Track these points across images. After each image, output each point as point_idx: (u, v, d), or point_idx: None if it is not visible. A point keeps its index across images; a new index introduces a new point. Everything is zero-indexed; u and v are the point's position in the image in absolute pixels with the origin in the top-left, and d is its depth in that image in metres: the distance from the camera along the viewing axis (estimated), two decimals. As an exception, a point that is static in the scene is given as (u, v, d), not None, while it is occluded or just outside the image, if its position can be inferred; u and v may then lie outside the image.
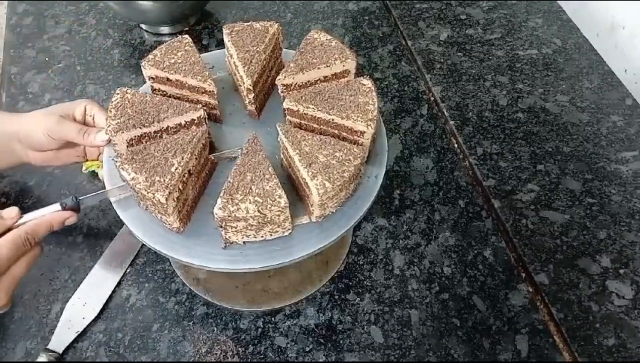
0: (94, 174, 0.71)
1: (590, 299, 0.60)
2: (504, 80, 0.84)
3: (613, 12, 0.88)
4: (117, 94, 0.52)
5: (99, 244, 0.65)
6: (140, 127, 0.49)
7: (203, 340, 0.58)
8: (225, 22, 0.95)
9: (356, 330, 0.59)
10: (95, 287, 0.62)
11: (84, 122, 0.57)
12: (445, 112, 0.80)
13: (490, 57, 0.87)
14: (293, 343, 0.58)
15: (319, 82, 0.54)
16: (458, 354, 0.57)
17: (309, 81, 0.54)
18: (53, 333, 0.58)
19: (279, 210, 0.44)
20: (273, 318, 0.60)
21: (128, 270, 0.63)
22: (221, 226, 0.45)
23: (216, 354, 0.57)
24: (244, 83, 0.54)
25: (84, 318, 0.59)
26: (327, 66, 0.53)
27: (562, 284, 0.62)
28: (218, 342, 0.58)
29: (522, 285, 0.62)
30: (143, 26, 0.94)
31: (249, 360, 0.57)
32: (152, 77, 0.55)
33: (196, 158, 0.48)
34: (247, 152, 0.48)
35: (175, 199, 0.45)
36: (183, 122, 0.51)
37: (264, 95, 0.58)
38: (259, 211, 0.44)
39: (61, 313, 0.59)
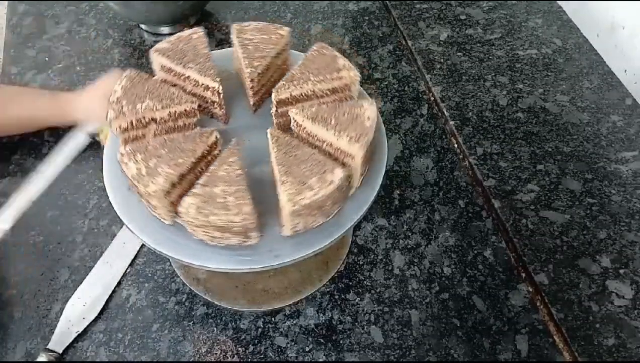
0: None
1: (590, 299, 0.60)
2: (504, 80, 0.84)
3: (613, 12, 0.88)
4: (125, 75, 0.52)
5: (99, 244, 0.66)
6: (133, 115, 0.49)
7: (203, 340, 0.58)
8: (225, 22, 0.95)
9: (356, 330, 0.59)
10: (95, 287, 0.62)
11: None
12: (445, 112, 0.80)
13: (490, 57, 0.87)
14: (293, 343, 0.58)
15: (315, 96, 0.53)
16: (458, 354, 0.57)
17: (303, 94, 0.53)
18: (53, 333, 0.58)
19: (243, 223, 0.44)
20: (273, 318, 0.60)
21: (128, 270, 0.63)
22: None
23: (216, 354, 0.57)
24: (245, 76, 0.53)
25: (84, 318, 0.59)
26: (323, 81, 0.52)
27: (562, 284, 0.62)
28: (218, 342, 0.58)
29: (522, 285, 0.62)
30: (143, 26, 0.94)
31: (249, 360, 0.57)
32: (161, 67, 0.55)
33: (200, 158, 0.48)
34: (223, 158, 0.48)
35: (173, 197, 0.45)
36: (175, 112, 0.51)
37: (264, 93, 0.58)
38: (222, 222, 0.44)
39: (61, 313, 0.59)
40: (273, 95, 0.52)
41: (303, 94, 0.53)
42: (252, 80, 0.53)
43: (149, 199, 0.46)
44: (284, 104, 0.53)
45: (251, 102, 0.56)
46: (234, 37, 0.56)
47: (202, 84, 0.54)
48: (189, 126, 0.52)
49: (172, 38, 0.55)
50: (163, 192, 0.45)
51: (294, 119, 0.51)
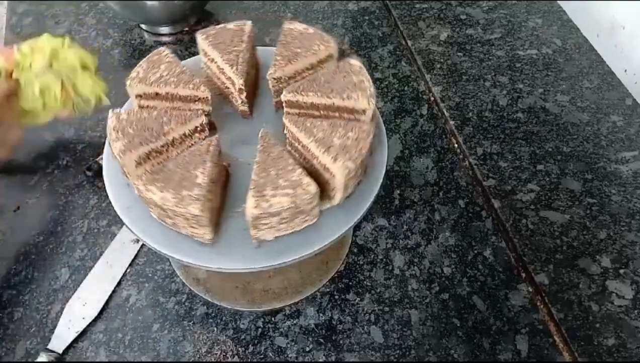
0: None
1: (590, 299, 0.60)
2: (504, 80, 0.84)
3: (613, 12, 0.88)
4: (112, 117, 0.50)
5: (99, 244, 0.66)
6: (147, 144, 0.48)
7: (203, 340, 0.58)
8: (225, 22, 0.95)
9: (356, 330, 0.59)
10: (95, 287, 0.62)
11: None
12: (445, 112, 0.80)
13: (490, 57, 0.87)
14: (293, 343, 0.58)
15: (306, 70, 0.54)
16: (458, 354, 0.57)
17: (297, 71, 0.54)
18: (53, 333, 0.58)
19: (310, 198, 0.45)
20: (273, 318, 0.60)
21: (128, 270, 0.63)
22: (253, 227, 0.45)
23: (216, 354, 0.57)
24: (233, 85, 0.53)
25: (84, 318, 0.59)
26: (313, 53, 0.53)
27: (562, 284, 0.62)
28: (218, 342, 0.58)
29: (522, 285, 0.62)
30: (143, 26, 0.94)
31: (249, 360, 0.57)
32: (139, 95, 0.54)
33: (215, 165, 0.48)
34: (262, 148, 0.48)
35: (208, 209, 0.45)
36: (187, 131, 0.51)
37: (252, 93, 0.58)
38: (292, 202, 0.44)
39: (61, 313, 0.59)
40: (269, 75, 0.52)
41: (294, 72, 0.54)
42: (240, 77, 0.53)
43: (194, 222, 0.46)
44: (278, 83, 0.54)
45: (239, 102, 0.56)
46: (202, 44, 0.56)
47: (189, 97, 0.53)
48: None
49: (142, 63, 0.54)
50: (208, 211, 0.45)
51: (289, 100, 0.51)
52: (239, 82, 0.52)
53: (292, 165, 0.46)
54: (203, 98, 0.53)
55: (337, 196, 0.48)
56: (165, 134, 0.49)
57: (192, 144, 0.51)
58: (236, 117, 0.57)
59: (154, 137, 0.48)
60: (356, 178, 0.49)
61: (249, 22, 0.57)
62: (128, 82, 0.52)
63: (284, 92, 0.52)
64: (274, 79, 0.53)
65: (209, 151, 0.48)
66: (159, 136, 0.49)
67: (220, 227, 0.48)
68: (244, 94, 0.54)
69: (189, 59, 0.61)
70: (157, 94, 0.53)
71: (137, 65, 0.54)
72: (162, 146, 0.49)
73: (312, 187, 0.45)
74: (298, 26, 0.56)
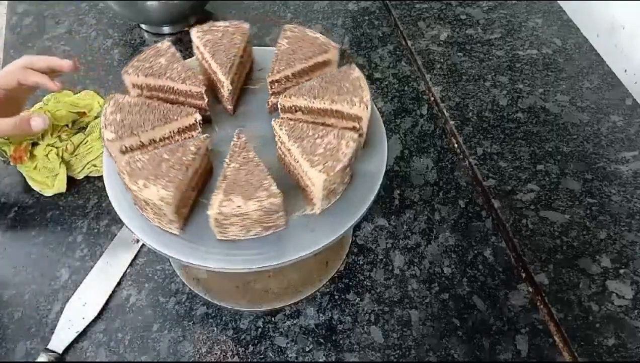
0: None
1: (590, 299, 0.60)
2: (504, 80, 0.84)
3: (613, 12, 0.88)
4: (110, 100, 0.51)
5: (99, 244, 0.66)
6: (136, 135, 0.48)
7: (203, 340, 0.58)
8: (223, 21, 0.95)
9: (356, 330, 0.59)
10: (95, 287, 0.62)
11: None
12: (445, 112, 0.80)
13: (490, 57, 0.87)
14: (293, 343, 0.58)
15: (305, 74, 0.54)
16: (458, 354, 0.57)
17: (294, 74, 0.54)
18: (53, 333, 0.58)
19: (274, 206, 0.44)
20: (273, 318, 0.60)
21: (128, 270, 0.63)
22: (216, 225, 0.45)
23: (216, 354, 0.57)
24: (222, 84, 0.53)
25: (84, 318, 0.59)
26: (311, 57, 0.53)
27: (562, 284, 0.62)
28: (218, 342, 0.58)
29: (522, 285, 0.62)
30: (143, 26, 0.94)
31: (249, 360, 0.57)
32: (135, 85, 0.54)
33: (199, 164, 0.48)
34: (235, 150, 0.48)
35: (179, 202, 0.45)
36: (177, 129, 0.51)
37: (239, 91, 0.58)
38: (253, 207, 0.44)
39: (61, 313, 0.59)
40: (268, 77, 0.52)
41: (291, 74, 0.54)
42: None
43: (161, 214, 0.46)
44: (275, 85, 0.54)
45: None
46: (196, 41, 0.56)
47: (185, 91, 0.53)
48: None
49: (142, 54, 0.54)
50: (174, 206, 0.45)
51: (284, 105, 0.51)
52: (227, 82, 0.53)
53: (262, 169, 0.46)
54: (196, 93, 0.53)
55: (317, 204, 0.47)
56: (154, 128, 0.49)
57: (183, 139, 0.51)
58: (226, 115, 0.57)
59: (143, 129, 0.49)
60: (342, 186, 0.48)
61: (246, 25, 0.57)
62: (125, 70, 0.52)
63: (280, 99, 0.51)
64: (272, 81, 0.53)
65: (198, 152, 0.48)
66: (147, 130, 0.49)
67: (194, 220, 0.48)
68: (229, 93, 0.54)
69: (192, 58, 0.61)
70: (153, 86, 0.53)
71: (137, 55, 0.54)
72: (150, 141, 0.50)
73: (277, 196, 0.44)
74: (300, 29, 0.56)
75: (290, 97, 0.51)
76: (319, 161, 0.46)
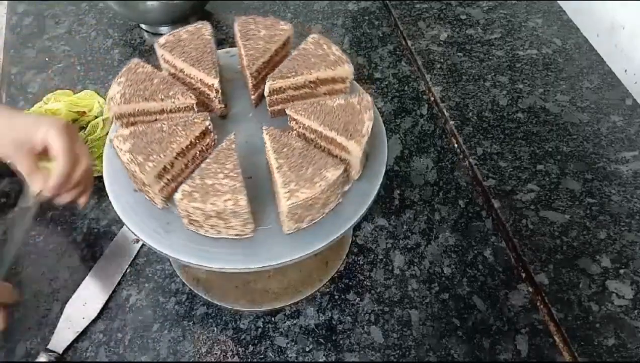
0: None
1: (590, 299, 0.60)
2: (504, 80, 0.84)
3: (613, 12, 0.88)
4: (129, 64, 0.52)
5: (99, 244, 0.66)
6: (135, 102, 0.50)
7: (203, 340, 0.58)
8: (225, 22, 0.95)
9: (356, 330, 0.59)
10: (95, 287, 0.62)
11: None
12: (445, 112, 0.80)
13: (490, 57, 0.87)
14: (293, 343, 0.58)
15: (309, 85, 0.54)
16: (458, 354, 0.57)
17: (298, 84, 0.53)
18: (53, 333, 0.58)
19: (237, 213, 0.44)
20: (273, 318, 0.60)
21: (128, 270, 0.63)
22: (182, 215, 0.46)
23: (216, 354, 0.57)
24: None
25: (84, 318, 0.59)
26: (317, 70, 0.53)
27: (562, 284, 0.62)
28: (218, 342, 0.58)
29: (522, 285, 0.62)
30: (143, 26, 0.94)
31: (249, 360, 0.57)
32: (163, 58, 0.55)
33: (191, 143, 0.48)
34: (220, 150, 0.48)
35: (166, 180, 0.46)
36: (176, 107, 0.51)
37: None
38: (216, 209, 0.44)
39: (61, 313, 0.59)
40: (267, 84, 0.52)
41: (296, 84, 0.53)
42: (251, 75, 0.53)
43: (143, 183, 0.47)
44: (276, 93, 0.53)
45: (252, 97, 0.56)
46: (235, 30, 0.56)
47: (201, 79, 0.54)
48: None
49: (181, 30, 0.55)
50: (155, 177, 0.46)
51: (290, 116, 0.51)
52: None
53: (237, 174, 0.46)
54: (209, 84, 0.53)
55: (285, 224, 0.47)
56: (156, 100, 0.50)
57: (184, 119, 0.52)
58: (250, 111, 0.57)
59: (143, 98, 0.50)
60: (310, 216, 0.47)
61: (289, 25, 0.57)
62: (156, 43, 0.54)
63: (288, 108, 0.51)
64: (273, 89, 0.53)
65: (188, 126, 0.48)
66: (147, 99, 0.50)
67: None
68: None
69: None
70: (174, 65, 0.54)
71: (176, 31, 0.55)
72: (152, 111, 0.51)
73: (243, 202, 0.44)
74: (321, 41, 0.55)
75: (294, 111, 0.51)
76: (296, 182, 0.45)
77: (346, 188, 0.50)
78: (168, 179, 0.48)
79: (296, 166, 0.46)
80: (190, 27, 0.56)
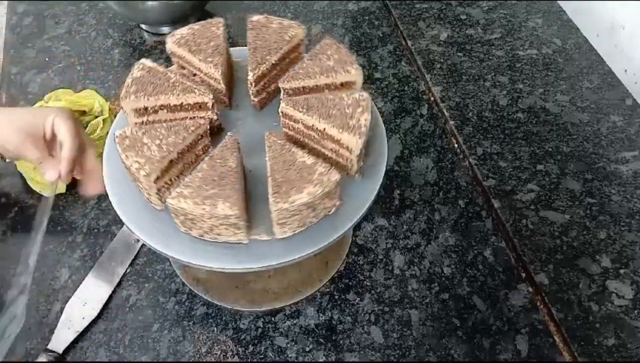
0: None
1: (590, 299, 0.60)
2: (504, 80, 0.84)
3: (613, 12, 0.88)
4: (139, 65, 0.53)
5: (99, 244, 0.66)
6: (146, 98, 0.50)
7: (203, 340, 0.58)
8: (225, 22, 0.95)
9: (356, 330, 0.59)
10: (95, 287, 0.62)
11: (54, 137, 0.56)
12: (445, 112, 0.80)
13: (490, 57, 0.87)
14: (293, 343, 0.58)
15: (322, 89, 0.53)
16: (458, 354, 0.57)
17: (311, 87, 0.53)
18: (53, 333, 0.58)
19: (228, 219, 0.44)
20: (273, 318, 0.60)
21: (128, 270, 0.63)
22: (174, 215, 0.46)
23: (216, 354, 0.57)
24: (248, 76, 0.54)
25: (84, 318, 0.59)
26: (331, 75, 0.52)
27: (562, 284, 0.62)
28: (218, 342, 0.58)
29: (522, 285, 0.62)
30: (143, 26, 0.94)
31: (249, 360, 0.57)
32: (172, 52, 0.56)
33: (191, 145, 0.48)
34: (220, 151, 0.48)
35: (164, 182, 0.46)
36: (188, 103, 0.51)
37: (273, 91, 0.58)
38: (206, 215, 0.44)
39: (61, 313, 0.59)
40: (281, 83, 0.52)
41: (307, 87, 0.53)
42: (252, 71, 0.53)
43: (141, 183, 0.47)
44: (288, 93, 0.53)
45: (250, 92, 0.56)
46: (247, 31, 0.57)
47: (207, 72, 0.54)
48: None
49: (194, 26, 0.56)
50: (153, 177, 0.45)
51: (284, 112, 0.51)
52: (250, 75, 0.53)
53: (234, 179, 0.46)
54: (215, 78, 0.54)
55: (275, 230, 0.47)
56: (167, 96, 0.50)
57: (193, 118, 0.52)
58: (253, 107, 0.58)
59: (154, 95, 0.50)
60: (299, 223, 0.47)
61: (300, 27, 0.57)
62: (168, 37, 0.55)
63: (281, 104, 0.51)
64: (285, 88, 0.53)
65: (189, 128, 0.48)
66: (159, 96, 0.50)
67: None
68: (254, 88, 0.54)
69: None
70: (183, 57, 0.55)
71: (190, 25, 0.56)
72: (162, 106, 0.51)
73: (235, 208, 0.44)
74: (334, 45, 0.55)
75: (292, 108, 0.51)
76: (288, 187, 0.45)
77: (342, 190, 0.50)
78: (166, 182, 0.48)
79: (290, 175, 0.46)
80: (205, 24, 0.57)
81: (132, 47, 0.91)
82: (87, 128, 0.72)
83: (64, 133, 0.55)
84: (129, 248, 0.65)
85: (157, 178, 0.46)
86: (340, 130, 0.48)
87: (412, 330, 0.59)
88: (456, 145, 0.77)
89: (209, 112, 0.52)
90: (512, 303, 0.61)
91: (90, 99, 0.76)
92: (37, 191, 0.70)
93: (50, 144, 0.56)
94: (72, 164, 0.55)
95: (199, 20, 0.96)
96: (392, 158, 0.75)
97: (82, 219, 0.68)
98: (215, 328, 0.59)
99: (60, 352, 0.56)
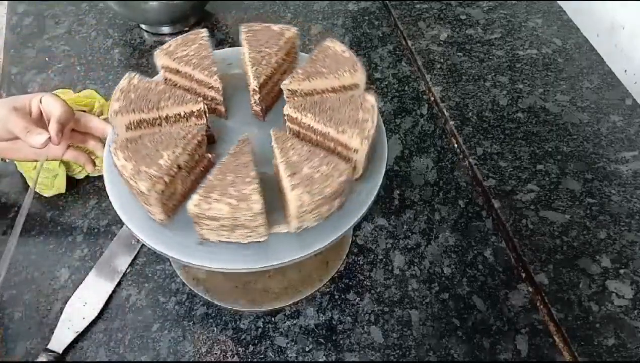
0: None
1: (590, 299, 0.60)
2: (504, 80, 0.84)
3: (613, 12, 0.88)
4: (125, 78, 0.52)
5: (99, 244, 0.66)
6: (138, 113, 0.50)
7: (203, 340, 0.58)
8: (225, 22, 0.95)
9: (356, 330, 0.59)
10: (95, 287, 0.62)
11: (41, 116, 0.57)
12: (445, 112, 0.80)
13: (490, 57, 0.87)
14: (293, 343, 0.58)
15: (325, 92, 0.53)
16: (458, 354, 0.57)
17: (315, 90, 0.53)
18: (53, 333, 0.58)
19: (252, 215, 0.44)
20: (273, 318, 0.60)
21: (128, 270, 0.63)
22: (195, 222, 0.46)
23: (216, 354, 0.57)
24: (250, 84, 0.54)
25: (84, 318, 0.59)
26: (335, 77, 0.52)
27: (562, 284, 0.62)
28: (218, 342, 0.58)
29: (522, 285, 0.62)
30: (143, 26, 0.94)
31: (249, 360, 0.57)
32: (164, 67, 0.56)
33: (188, 154, 0.48)
34: (234, 152, 0.48)
35: (159, 191, 0.46)
36: (182, 113, 0.51)
37: (272, 97, 0.58)
38: (231, 213, 0.44)
39: (61, 313, 0.59)
40: (283, 85, 0.52)
41: (312, 90, 0.53)
42: (256, 79, 0.53)
43: (144, 199, 0.46)
44: (293, 95, 0.53)
45: (252, 101, 0.56)
46: (241, 37, 0.57)
47: (204, 82, 0.54)
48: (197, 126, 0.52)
49: (178, 38, 0.56)
50: (157, 192, 0.45)
51: (289, 115, 0.51)
52: (254, 83, 0.53)
53: (251, 178, 0.46)
54: (215, 87, 0.53)
55: (292, 223, 0.47)
56: (159, 110, 0.50)
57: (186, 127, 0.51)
58: (250, 115, 0.57)
59: (148, 109, 0.50)
60: (318, 214, 0.47)
61: (293, 29, 0.57)
62: (157, 52, 0.55)
63: (285, 106, 0.51)
64: (289, 90, 0.53)
65: (186, 137, 0.48)
66: (152, 109, 0.50)
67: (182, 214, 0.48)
68: (258, 95, 0.54)
69: (235, 48, 0.61)
70: (177, 70, 0.55)
71: (174, 38, 0.56)
72: (154, 120, 0.50)
73: (257, 206, 0.44)
74: (337, 46, 0.55)
75: (294, 110, 0.51)
76: (300, 181, 0.45)
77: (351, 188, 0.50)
78: (168, 194, 0.48)
79: (305, 167, 0.46)
80: (188, 35, 0.56)
81: (132, 47, 0.91)
82: None
83: (52, 102, 0.56)
84: (129, 248, 0.65)
85: (155, 188, 0.46)
86: (347, 133, 0.48)
87: (412, 330, 0.59)
88: (456, 145, 0.77)
89: (203, 120, 0.52)
90: (512, 303, 0.61)
91: (90, 99, 0.76)
92: (37, 191, 0.70)
93: (36, 123, 0.56)
94: (62, 126, 0.55)
95: (198, 20, 0.97)
96: (392, 158, 0.75)
97: (82, 219, 0.68)
98: (215, 328, 0.59)
99: (60, 352, 0.56)
